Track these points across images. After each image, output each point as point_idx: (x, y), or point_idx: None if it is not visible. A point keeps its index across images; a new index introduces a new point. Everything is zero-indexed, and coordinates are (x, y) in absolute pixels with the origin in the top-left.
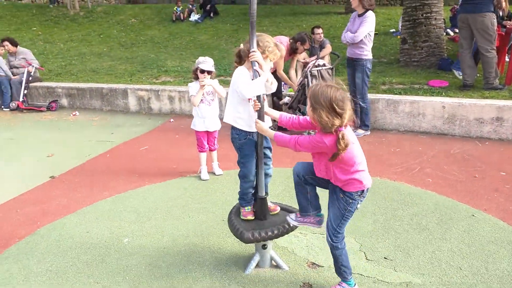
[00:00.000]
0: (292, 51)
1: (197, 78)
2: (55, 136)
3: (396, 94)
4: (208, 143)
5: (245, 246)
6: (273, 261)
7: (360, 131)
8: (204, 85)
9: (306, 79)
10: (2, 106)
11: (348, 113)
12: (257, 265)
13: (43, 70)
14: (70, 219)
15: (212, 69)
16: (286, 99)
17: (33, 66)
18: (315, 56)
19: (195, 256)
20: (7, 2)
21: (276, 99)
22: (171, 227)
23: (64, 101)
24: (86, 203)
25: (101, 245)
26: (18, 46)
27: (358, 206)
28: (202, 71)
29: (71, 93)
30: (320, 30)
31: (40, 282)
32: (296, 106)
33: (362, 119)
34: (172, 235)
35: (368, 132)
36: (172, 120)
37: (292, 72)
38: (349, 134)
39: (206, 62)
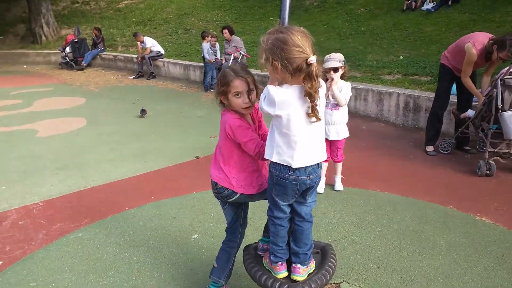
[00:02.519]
0: (487, 56)
1: (326, 79)
2: None
3: None
4: (330, 153)
5: None
6: None
7: None
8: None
9: (495, 90)
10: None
11: None
12: None
13: (249, 57)
14: (173, 201)
15: (337, 64)
16: (469, 113)
17: (240, 54)
18: None
19: (241, 268)
20: None
21: (455, 110)
22: None
23: None
24: (197, 189)
25: (173, 235)
26: (233, 35)
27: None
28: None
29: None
30: None
31: (105, 253)
32: (479, 124)
33: None
34: None
35: None
36: None
37: (485, 80)
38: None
39: (330, 60)
